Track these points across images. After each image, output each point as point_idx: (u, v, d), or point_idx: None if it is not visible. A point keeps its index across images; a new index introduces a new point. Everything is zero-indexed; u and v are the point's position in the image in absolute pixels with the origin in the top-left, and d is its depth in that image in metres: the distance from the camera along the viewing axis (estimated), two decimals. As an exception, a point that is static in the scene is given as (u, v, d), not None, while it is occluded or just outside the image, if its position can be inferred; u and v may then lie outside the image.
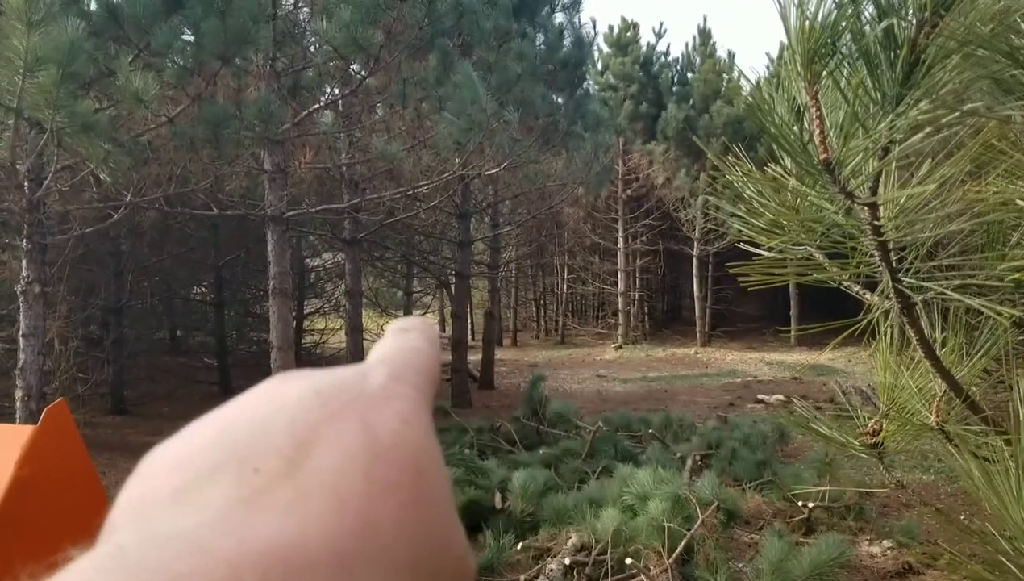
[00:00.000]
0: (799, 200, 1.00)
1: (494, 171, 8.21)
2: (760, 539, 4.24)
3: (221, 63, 5.35)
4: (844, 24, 0.84)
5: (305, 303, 16.17)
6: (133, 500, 0.20)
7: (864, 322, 1.22)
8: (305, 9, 7.70)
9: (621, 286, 20.26)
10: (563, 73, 10.63)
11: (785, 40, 0.89)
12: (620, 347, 19.64)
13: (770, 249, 1.09)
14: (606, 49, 20.56)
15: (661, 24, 24.42)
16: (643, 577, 3.62)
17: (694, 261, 19.29)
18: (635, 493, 4.33)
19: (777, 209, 1.01)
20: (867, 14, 0.86)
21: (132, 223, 9.42)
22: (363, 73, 6.81)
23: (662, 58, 20.77)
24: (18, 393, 5.47)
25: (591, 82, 16.85)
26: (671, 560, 3.71)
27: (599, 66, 20.20)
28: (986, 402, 1.42)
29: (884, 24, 0.82)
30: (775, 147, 0.96)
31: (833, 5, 0.84)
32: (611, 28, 20.70)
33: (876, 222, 0.98)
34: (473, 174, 8.33)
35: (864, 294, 1.18)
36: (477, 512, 4.62)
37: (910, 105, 0.84)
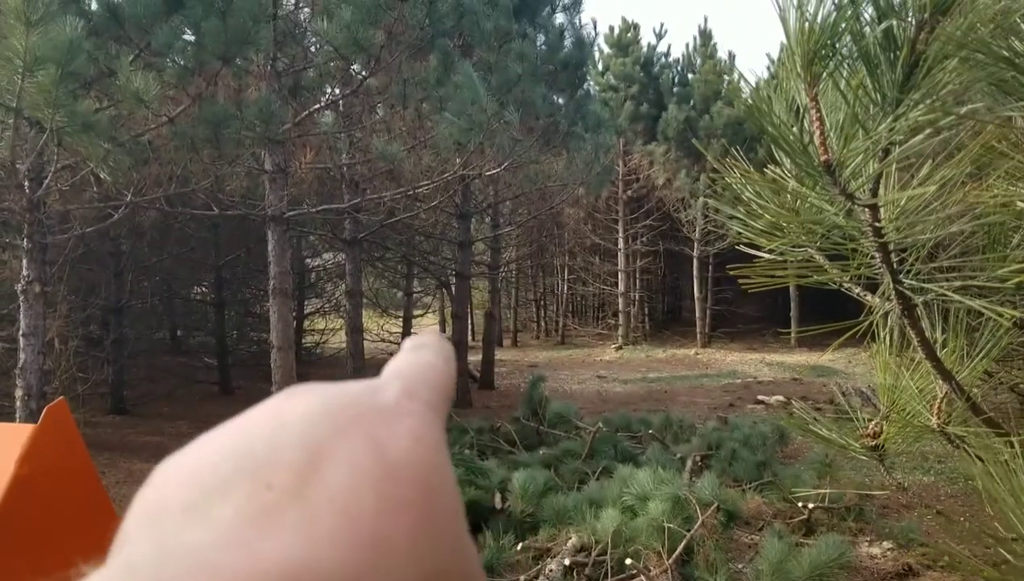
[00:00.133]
0: (799, 202, 1.00)
1: (495, 171, 8.22)
2: (760, 540, 4.24)
3: (222, 63, 5.36)
4: (844, 25, 0.84)
5: (305, 303, 16.18)
6: (146, 512, 0.20)
7: (865, 324, 1.22)
8: (306, 9, 7.70)
9: (621, 287, 20.26)
10: (564, 74, 10.63)
11: (785, 41, 0.89)
12: (620, 348, 19.63)
13: (770, 251, 1.08)
14: (607, 50, 20.56)
15: (662, 25, 24.43)
16: (643, 578, 3.62)
17: (694, 262, 19.29)
18: (635, 494, 4.33)
19: (777, 211, 1.01)
20: (867, 15, 0.85)
21: (132, 223, 9.42)
22: (364, 73, 6.81)
23: (663, 59, 20.77)
24: (18, 392, 5.47)
25: (592, 83, 16.85)
26: (671, 561, 3.71)
27: (600, 67, 20.20)
28: (987, 403, 1.41)
29: (884, 25, 0.82)
30: (775, 149, 0.95)
31: (833, 7, 0.84)
32: (612, 29, 20.71)
33: (877, 224, 0.98)
34: (474, 174, 8.33)
35: (865, 296, 1.18)
36: (477, 512, 4.62)
37: (910, 107, 0.84)
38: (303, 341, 15.73)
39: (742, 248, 1.14)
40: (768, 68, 18.53)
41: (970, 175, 1.02)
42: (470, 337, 14.38)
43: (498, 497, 4.76)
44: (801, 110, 0.91)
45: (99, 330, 10.74)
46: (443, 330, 23.73)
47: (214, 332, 12.76)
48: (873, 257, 1.03)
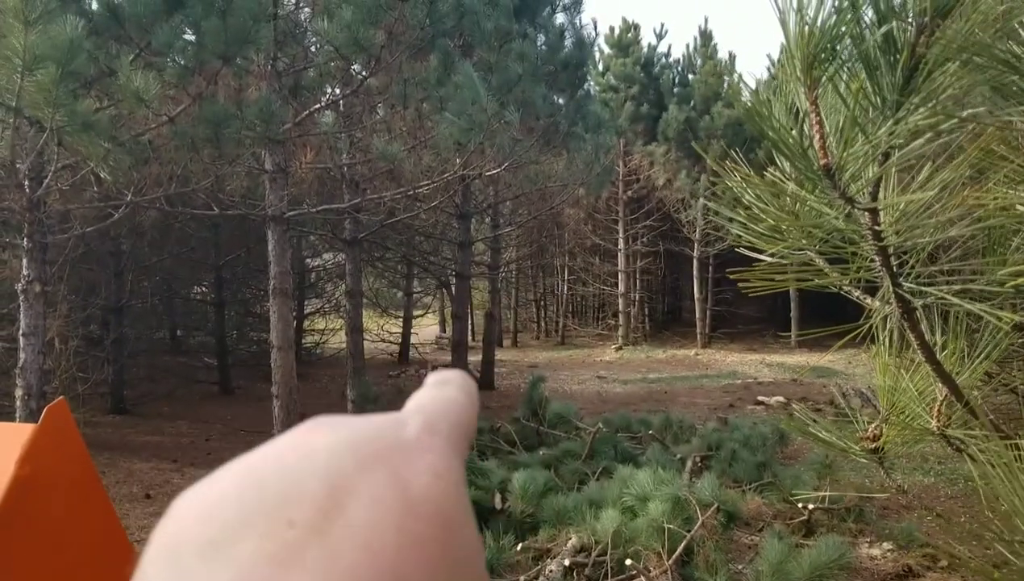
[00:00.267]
0: (799, 205, 1.00)
1: (495, 172, 8.21)
2: (760, 541, 4.24)
3: (222, 63, 5.35)
4: (844, 29, 0.84)
5: (305, 303, 16.19)
6: (165, 548, 0.19)
7: (865, 327, 1.22)
8: (306, 9, 7.70)
9: (621, 287, 20.26)
10: (564, 74, 10.62)
11: (785, 44, 0.89)
12: (620, 348, 19.63)
13: (771, 254, 1.08)
14: (607, 50, 20.56)
15: (662, 25, 24.47)
16: (643, 578, 3.62)
17: (695, 262, 19.29)
18: (635, 494, 4.33)
19: (777, 214, 1.01)
20: (867, 19, 0.85)
21: (133, 222, 9.42)
22: (364, 73, 6.81)
23: (663, 59, 20.77)
24: (18, 392, 5.47)
25: (592, 83, 16.85)
26: (671, 561, 3.71)
27: (600, 67, 20.20)
28: (988, 404, 1.41)
29: (884, 29, 0.82)
30: (775, 153, 0.95)
31: (832, 10, 0.84)
32: (612, 29, 20.71)
33: (876, 227, 0.98)
34: (474, 175, 8.33)
35: (865, 299, 1.18)
36: (477, 513, 4.60)
37: (910, 110, 0.84)
38: (303, 341, 15.74)
39: (742, 250, 1.14)
40: (768, 69, 18.54)
41: (970, 178, 1.02)
42: (470, 337, 14.39)
43: (498, 497, 4.76)
44: (801, 114, 0.91)
45: (99, 330, 10.75)
46: (443, 330, 23.74)
47: (214, 332, 12.76)
48: (873, 260, 1.03)
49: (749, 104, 0.92)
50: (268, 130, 5.70)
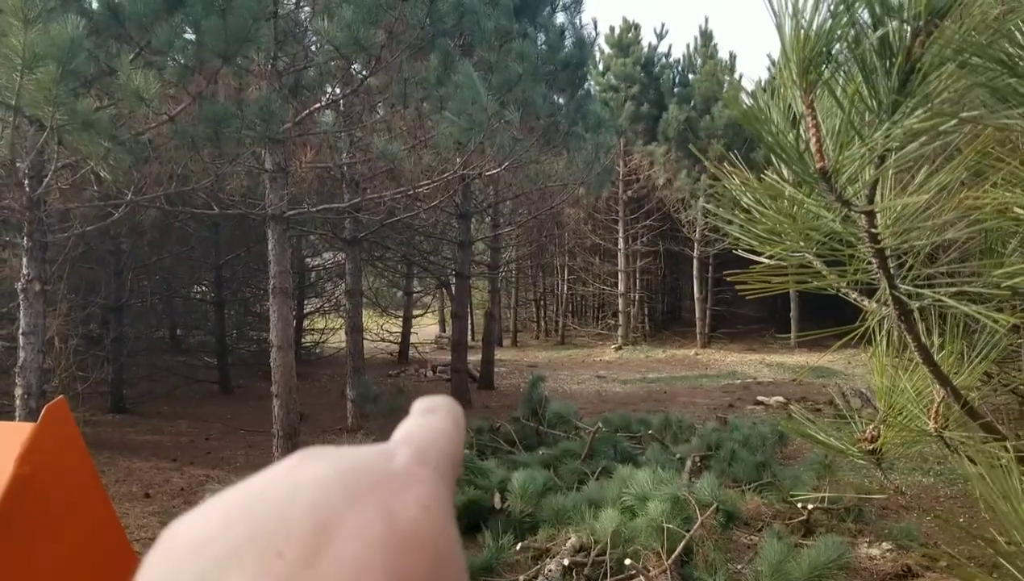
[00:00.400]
0: (796, 208, 1.00)
1: (495, 171, 8.21)
2: (759, 540, 4.24)
3: (222, 62, 5.35)
4: (839, 32, 0.84)
5: (305, 302, 16.20)
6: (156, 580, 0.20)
7: (863, 328, 1.22)
8: (306, 8, 7.70)
9: (621, 287, 20.26)
10: (564, 73, 10.62)
11: (781, 48, 0.89)
12: (620, 348, 19.63)
13: (769, 256, 1.09)
14: (607, 50, 20.55)
15: (663, 25, 24.49)
16: (642, 578, 3.62)
17: (694, 262, 19.29)
18: (634, 494, 4.33)
19: (775, 217, 1.01)
20: (862, 22, 0.86)
21: (133, 221, 9.42)
22: (364, 73, 6.81)
23: (663, 59, 20.76)
24: (18, 391, 5.47)
25: (592, 83, 16.85)
26: (670, 561, 3.71)
27: (600, 67, 20.20)
28: (987, 404, 1.41)
29: (880, 32, 0.82)
30: (772, 156, 0.96)
31: (828, 14, 0.84)
32: (612, 29, 20.71)
33: (873, 230, 0.98)
34: (474, 174, 8.33)
35: (862, 300, 1.18)
36: (476, 512, 4.62)
37: (906, 113, 0.84)
38: (303, 340, 15.75)
39: (741, 252, 1.14)
40: (768, 69, 18.53)
41: (967, 181, 1.02)
42: (470, 337, 14.39)
43: (497, 497, 4.76)
44: (797, 117, 0.91)
45: (99, 329, 10.75)
46: (443, 330, 23.73)
47: (214, 331, 12.77)
48: (870, 262, 1.03)
49: (745, 107, 0.92)
50: (268, 129, 5.70)
